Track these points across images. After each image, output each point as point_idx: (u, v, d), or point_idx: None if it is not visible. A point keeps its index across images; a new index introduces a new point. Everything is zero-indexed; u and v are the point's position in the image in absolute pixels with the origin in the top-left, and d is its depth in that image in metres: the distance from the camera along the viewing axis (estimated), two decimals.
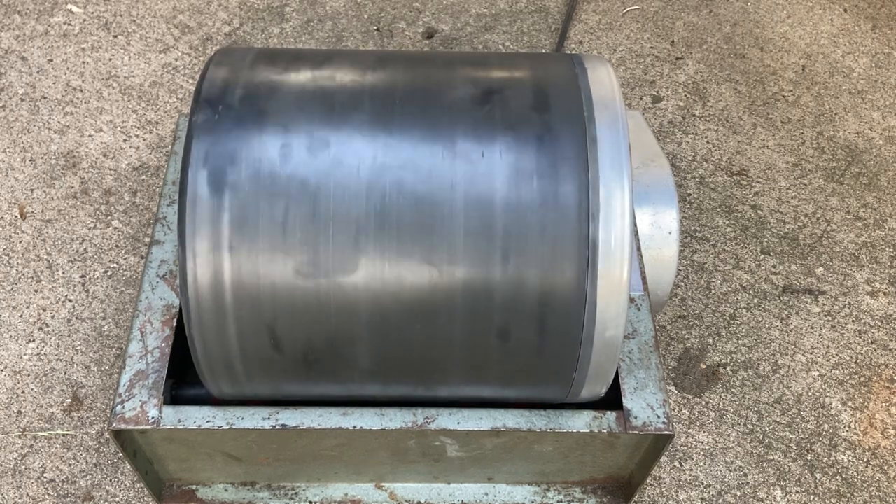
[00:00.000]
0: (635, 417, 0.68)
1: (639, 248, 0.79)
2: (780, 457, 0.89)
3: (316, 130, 0.58)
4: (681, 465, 0.88)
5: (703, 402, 0.92)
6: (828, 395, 0.93)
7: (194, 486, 0.79)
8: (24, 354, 0.92)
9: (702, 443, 0.89)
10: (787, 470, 0.88)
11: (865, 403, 0.93)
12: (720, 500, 0.86)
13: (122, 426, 0.66)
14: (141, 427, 0.66)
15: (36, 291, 0.97)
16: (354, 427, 0.67)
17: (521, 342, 0.60)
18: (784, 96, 1.24)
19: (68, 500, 0.83)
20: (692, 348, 0.96)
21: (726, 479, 0.87)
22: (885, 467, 0.88)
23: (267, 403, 0.68)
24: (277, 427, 0.66)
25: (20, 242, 1.01)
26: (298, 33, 1.26)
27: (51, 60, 1.20)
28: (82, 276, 0.98)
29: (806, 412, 0.92)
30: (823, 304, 1.01)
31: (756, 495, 0.86)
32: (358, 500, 0.80)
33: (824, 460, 0.89)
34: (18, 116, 1.13)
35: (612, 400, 0.69)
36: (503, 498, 0.80)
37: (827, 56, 1.29)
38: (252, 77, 0.60)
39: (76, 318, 0.95)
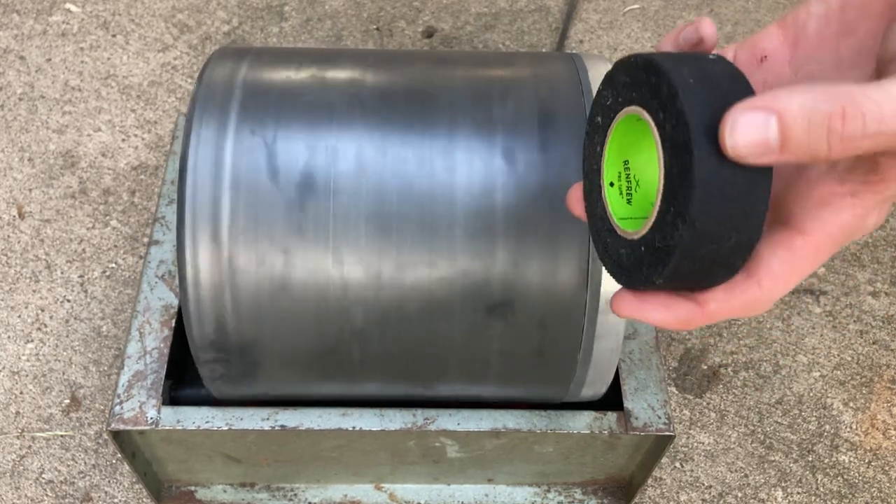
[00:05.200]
0: (636, 418, 0.68)
1: None
2: (781, 457, 0.88)
3: (315, 128, 0.57)
4: (682, 465, 0.87)
5: (704, 403, 0.92)
6: (829, 395, 0.93)
7: (193, 488, 0.79)
8: (23, 355, 0.92)
9: (703, 443, 0.89)
10: (788, 471, 0.87)
11: (867, 404, 0.93)
12: (721, 502, 0.85)
13: (121, 427, 0.66)
14: (139, 428, 0.66)
15: (34, 291, 0.96)
16: (354, 428, 0.66)
17: (521, 341, 0.60)
18: None
19: (67, 500, 0.82)
20: (693, 349, 0.96)
21: (727, 480, 0.87)
22: (887, 468, 0.88)
23: (266, 404, 0.67)
24: (276, 428, 0.66)
25: (18, 242, 1.00)
26: (298, 32, 1.26)
27: (49, 60, 1.19)
28: (80, 277, 0.98)
29: (807, 413, 0.92)
30: (825, 305, 1.00)
31: (757, 496, 0.86)
32: (357, 501, 0.79)
33: (825, 461, 0.88)
34: (17, 116, 1.12)
35: (612, 401, 0.69)
36: (503, 499, 0.79)
37: None
38: (251, 75, 0.60)
39: (74, 318, 0.94)
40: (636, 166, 0.37)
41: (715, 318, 0.32)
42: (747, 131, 0.28)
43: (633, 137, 0.36)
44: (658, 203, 0.31)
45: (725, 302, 0.32)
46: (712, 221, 0.29)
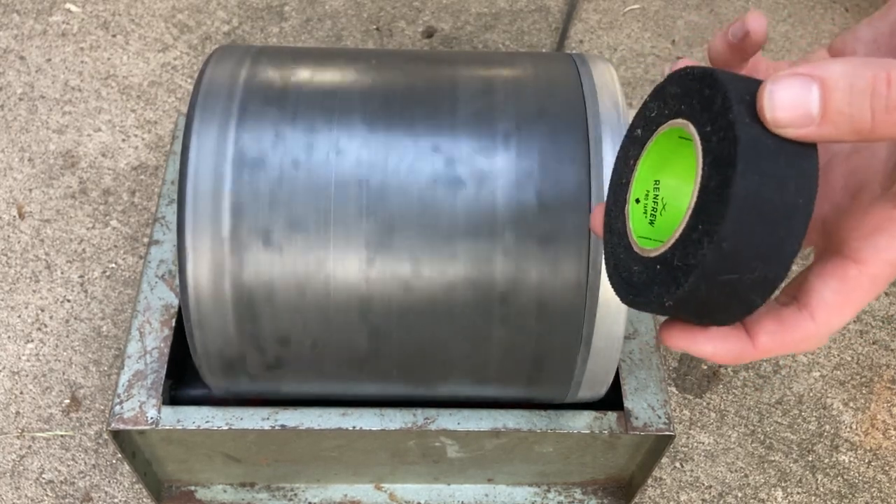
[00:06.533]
0: (636, 418, 0.67)
1: None
2: (781, 457, 0.88)
3: (316, 128, 0.57)
4: (682, 465, 0.87)
5: (704, 403, 0.92)
6: (829, 395, 0.93)
7: (193, 488, 0.79)
8: (23, 355, 0.92)
9: (703, 443, 0.89)
10: (788, 471, 0.87)
11: (867, 404, 0.93)
12: (721, 502, 0.85)
13: (121, 427, 0.65)
14: (140, 427, 0.66)
15: (34, 292, 0.96)
16: (354, 427, 0.66)
17: (521, 342, 0.60)
18: None
19: (67, 500, 0.82)
20: None
21: (727, 480, 0.87)
22: (887, 468, 0.88)
23: (267, 403, 0.67)
24: (276, 427, 0.66)
25: (18, 242, 1.00)
26: (298, 32, 1.26)
27: (49, 60, 1.19)
28: (81, 277, 0.98)
29: (807, 413, 0.92)
30: None
31: (757, 496, 0.86)
32: (357, 501, 0.79)
33: (825, 461, 0.88)
34: (17, 116, 1.12)
35: (612, 400, 0.69)
36: (503, 499, 0.79)
37: None
38: (251, 75, 0.60)
39: (74, 318, 0.94)
40: (666, 188, 0.35)
41: (767, 353, 0.31)
42: (787, 96, 0.26)
43: (670, 157, 0.34)
44: (686, 220, 0.29)
45: (778, 336, 0.30)
46: (741, 245, 0.27)
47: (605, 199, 0.38)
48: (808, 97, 0.26)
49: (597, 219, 0.38)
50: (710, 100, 0.29)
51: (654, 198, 0.35)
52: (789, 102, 0.26)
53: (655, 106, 0.34)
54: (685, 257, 0.29)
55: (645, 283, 0.32)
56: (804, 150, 0.27)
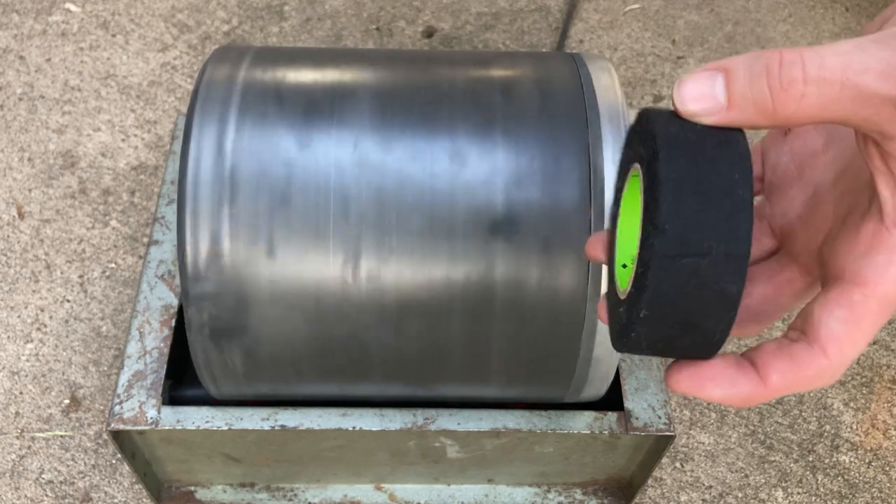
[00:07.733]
0: (636, 418, 0.67)
1: None
2: (781, 458, 0.88)
3: (315, 128, 0.57)
4: (682, 466, 0.87)
5: (705, 403, 0.92)
6: (829, 395, 0.93)
7: (193, 488, 0.79)
8: (22, 355, 0.92)
9: (703, 444, 0.89)
10: (788, 471, 0.87)
11: (867, 404, 0.93)
12: (722, 502, 0.85)
13: (121, 427, 0.65)
14: (139, 427, 0.66)
15: (34, 292, 0.96)
16: (354, 428, 0.66)
17: (521, 342, 0.59)
18: None
19: (66, 501, 0.82)
20: None
21: (728, 481, 0.87)
22: (887, 468, 0.88)
23: (266, 404, 0.67)
24: (276, 428, 0.66)
25: (18, 242, 1.00)
26: (297, 32, 1.26)
27: (49, 59, 1.19)
28: (80, 277, 0.98)
29: (807, 413, 0.92)
30: None
31: (758, 496, 0.86)
32: (357, 501, 0.79)
33: (826, 461, 0.88)
34: (16, 116, 1.12)
35: (612, 400, 0.69)
36: (503, 499, 0.79)
37: None
38: (251, 75, 0.60)
39: (74, 318, 0.94)
40: None
41: (779, 392, 0.29)
42: (694, 87, 0.27)
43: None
44: (640, 237, 0.29)
45: (790, 374, 0.28)
46: (684, 224, 0.27)
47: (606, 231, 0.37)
48: (713, 87, 0.27)
49: (592, 246, 0.37)
50: (644, 131, 0.30)
51: None
52: (697, 93, 0.28)
53: (624, 155, 0.34)
54: (642, 262, 0.28)
55: (627, 315, 0.30)
56: (728, 135, 0.28)
